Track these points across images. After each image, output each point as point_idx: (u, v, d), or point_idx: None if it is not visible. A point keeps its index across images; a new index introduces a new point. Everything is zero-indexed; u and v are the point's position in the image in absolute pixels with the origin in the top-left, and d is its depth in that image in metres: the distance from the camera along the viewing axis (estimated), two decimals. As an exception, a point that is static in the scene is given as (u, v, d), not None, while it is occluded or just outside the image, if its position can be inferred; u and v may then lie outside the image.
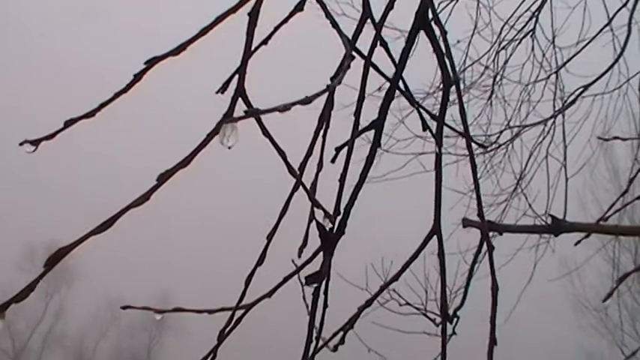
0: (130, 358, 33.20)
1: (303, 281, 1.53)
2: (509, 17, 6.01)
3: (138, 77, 1.12)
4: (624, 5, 5.38)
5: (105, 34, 32.63)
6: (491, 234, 2.81)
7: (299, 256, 1.48)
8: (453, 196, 5.79)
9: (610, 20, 5.59)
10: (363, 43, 1.66)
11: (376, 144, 1.59)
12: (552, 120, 5.91)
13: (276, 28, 1.39)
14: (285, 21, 1.38)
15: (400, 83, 1.58)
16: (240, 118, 0.99)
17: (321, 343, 1.71)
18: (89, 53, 32.27)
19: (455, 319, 2.94)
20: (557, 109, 5.89)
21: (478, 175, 1.78)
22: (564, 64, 5.97)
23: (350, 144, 1.56)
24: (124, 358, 33.17)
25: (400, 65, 1.54)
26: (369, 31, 1.63)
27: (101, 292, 28.23)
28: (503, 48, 6.12)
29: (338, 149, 1.61)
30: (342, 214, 1.55)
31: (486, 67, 6.21)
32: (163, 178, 1.01)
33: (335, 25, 1.19)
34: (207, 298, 1.55)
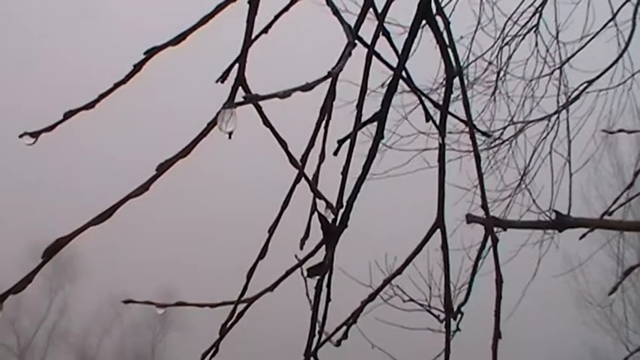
0: (134, 355, 33.26)
1: (305, 274, 1.52)
2: (513, 13, 6.00)
3: (137, 68, 1.11)
4: (628, 0, 5.36)
5: (105, 34, 32.65)
6: (495, 230, 2.80)
7: (301, 249, 1.47)
8: (457, 192, 5.78)
9: (614, 15, 5.57)
10: (366, 38, 1.65)
11: (379, 136, 1.58)
12: (556, 115, 5.90)
13: (276, 17, 1.38)
14: (285, 9, 1.37)
15: (403, 75, 1.57)
16: (239, 103, 0.98)
17: (324, 337, 1.70)
18: (89, 53, 32.29)
19: (459, 315, 2.93)
20: (561, 104, 5.88)
21: (482, 171, 1.76)
22: (568, 59, 5.95)
23: (352, 136, 1.55)
24: (128, 354, 33.24)
25: (403, 55, 1.53)
26: (370, 26, 1.63)
27: (105, 289, 28.27)
28: (506, 43, 6.11)
29: (340, 142, 1.60)
30: (344, 207, 1.54)
31: (490, 63, 6.20)
32: (163, 167, 1.00)
33: (336, 12, 1.18)
34: (210, 295, 1.55)
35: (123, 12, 32.50)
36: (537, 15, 5.96)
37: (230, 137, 1.05)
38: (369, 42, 1.57)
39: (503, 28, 6.04)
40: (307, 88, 0.92)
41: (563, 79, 5.98)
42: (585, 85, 5.53)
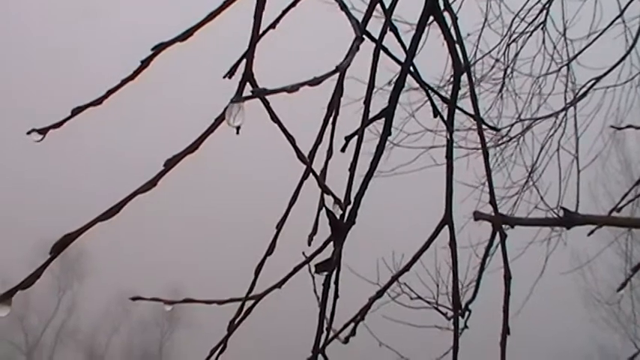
0: (142, 353, 33.34)
1: (313, 270, 1.52)
2: (520, 10, 5.98)
3: (145, 64, 1.11)
4: (636, -3, 5.34)
5: (105, 34, 32.71)
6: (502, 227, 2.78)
7: (309, 244, 1.47)
8: (464, 189, 5.78)
9: (622, 12, 5.55)
10: (373, 35, 1.64)
11: (387, 132, 1.58)
12: (564, 112, 5.88)
13: (284, 12, 1.37)
14: (293, 4, 1.37)
15: (411, 70, 1.56)
16: (247, 98, 0.97)
17: (332, 334, 1.70)
18: (89, 53, 32.35)
19: (467, 313, 2.92)
20: (568, 101, 5.86)
21: (490, 167, 1.76)
22: (575, 56, 5.93)
23: (360, 132, 1.55)
24: (136, 352, 33.32)
25: (411, 51, 1.53)
26: (377, 23, 1.62)
27: (113, 287, 28.33)
28: (513, 41, 6.10)
29: (348, 138, 1.60)
30: (352, 203, 1.54)
31: (497, 60, 6.18)
32: (171, 163, 0.99)
33: (344, 7, 1.18)
34: (217, 292, 1.55)
35: (123, 12, 32.59)
36: (544, 12, 5.94)
37: (238, 132, 1.05)
38: (376, 38, 1.57)
39: (511, 25, 6.03)
40: (315, 82, 0.92)
41: (571, 76, 5.96)
42: (593, 82, 5.53)
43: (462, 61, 1.59)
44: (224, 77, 1.23)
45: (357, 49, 1.04)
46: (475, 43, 6.06)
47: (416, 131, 6.07)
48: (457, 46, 1.58)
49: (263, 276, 1.50)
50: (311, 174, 1.35)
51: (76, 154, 29.41)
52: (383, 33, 1.52)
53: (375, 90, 1.63)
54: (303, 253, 1.57)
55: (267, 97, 1.09)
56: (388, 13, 1.51)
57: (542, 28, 6.03)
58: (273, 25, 1.36)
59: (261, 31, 1.15)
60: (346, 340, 1.84)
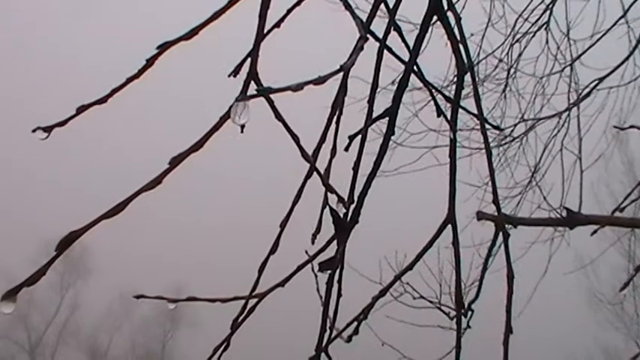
0: (145, 352, 33.34)
1: (317, 268, 1.52)
2: (524, 10, 5.98)
3: (150, 62, 1.12)
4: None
5: (105, 32, 32.74)
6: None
7: (312, 243, 1.47)
8: (467, 189, 5.78)
9: (625, 12, 5.55)
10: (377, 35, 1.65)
11: (390, 131, 1.58)
12: (567, 113, 5.88)
13: (289, 11, 1.38)
14: (297, 4, 1.37)
15: (415, 69, 1.57)
16: (253, 96, 0.98)
17: (335, 333, 1.70)
18: (89, 53, 32.37)
19: (469, 313, 2.92)
20: (571, 101, 5.86)
21: (493, 167, 1.76)
22: (579, 56, 5.93)
23: (364, 132, 1.55)
24: (139, 351, 33.32)
25: (415, 50, 1.53)
26: (380, 23, 1.63)
27: (116, 285, 28.35)
28: (517, 41, 6.10)
29: (351, 137, 1.60)
30: (355, 202, 1.54)
31: (500, 60, 6.18)
32: (175, 161, 1.00)
33: (348, 7, 1.18)
34: (220, 291, 1.55)
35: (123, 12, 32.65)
36: (548, 12, 5.95)
37: (242, 130, 1.05)
38: (380, 38, 1.57)
39: (514, 26, 6.04)
40: (320, 81, 0.92)
41: (574, 76, 5.96)
42: (596, 82, 5.53)
43: (466, 61, 1.59)
44: (229, 76, 1.24)
45: (362, 48, 1.04)
46: (478, 43, 6.07)
47: (419, 131, 6.08)
48: (461, 46, 1.58)
49: (267, 275, 1.51)
50: (315, 173, 1.35)
51: (84, 155, 29.46)
52: (387, 32, 1.53)
53: (377, 90, 1.63)
54: (306, 252, 1.57)
55: (271, 95, 1.09)
56: (392, 12, 1.52)
57: (545, 29, 6.03)
58: (277, 25, 1.36)
59: (265, 30, 1.16)
60: (349, 339, 1.84)
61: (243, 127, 1.04)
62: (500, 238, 1.65)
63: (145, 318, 32.63)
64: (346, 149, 1.60)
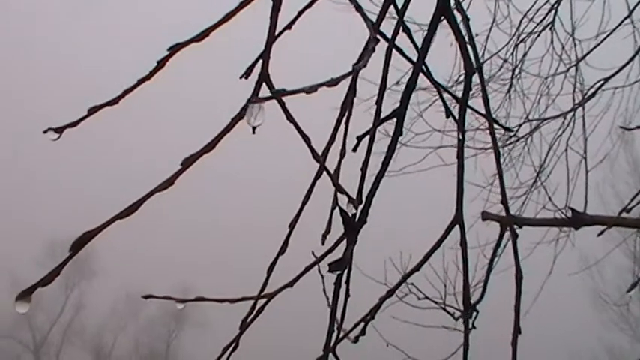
0: (149, 352, 33.36)
1: (326, 269, 1.52)
2: (528, 10, 5.98)
3: (161, 64, 1.12)
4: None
5: (105, 32, 32.77)
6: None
7: (322, 243, 1.47)
8: (472, 189, 5.78)
9: (630, 12, 5.55)
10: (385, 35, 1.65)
11: (398, 132, 1.59)
12: (572, 113, 5.88)
13: (300, 13, 1.38)
14: (308, 5, 1.38)
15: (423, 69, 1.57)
16: (267, 98, 0.98)
17: (342, 333, 1.71)
18: (91, 53, 32.40)
19: (474, 313, 2.92)
20: (576, 102, 5.86)
21: (501, 167, 1.76)
22: (584, 56, 5.92)
23: (372, 132, 1.56)
24: (143, 351, 33.34)
25: (423, 50, 1.54)
26: (389, 25, 1.63)
27: (120, 285, 28.40)
28: (522, 41, 6.09)
29: (360, 138, 1.60)
30: (364, 202, 1.55)
31: (505, 61, 6.18)
32: (188, 162, 1.00)
33: (359, 8, 1.18)
34: (228, 291, 1.55)
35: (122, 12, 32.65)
36: (553, 12, 5.94)
37: (254, 132, 1.05)
38: (389, 38, 1.57)
39: (519, 26, 6.03)
40: (333, 83, 0.93)
41: (579, 76, 5.95)
42: (601, 82, 5.52)
43: (474, 61, 1.59)
44: (240, 78, 1.24)
45: (373, 50, 1.05)
46: (483, 43, 6.06)
47: (424, 131, 6.07)
48: (469, 46, 1.59)
49: (275, 275, 1.51)
50: (324, 173, 1.36)
51: (88, 154, 29.47)
52: (395, 33, 1.53)
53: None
54: (313, 253, 1.57)
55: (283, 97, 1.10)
56: (400, 13, 1.52)
57: (550, 29, 6.02)
58: (289, 26, 1.36)
59: (276, 32, 1.16)
60: (356, 340, 1.85)
61: (254, 128, 1.05)
62: (505, 238, 1.65)
63: (150, 318, 32.67)
64: (354, 150, 1.61)
